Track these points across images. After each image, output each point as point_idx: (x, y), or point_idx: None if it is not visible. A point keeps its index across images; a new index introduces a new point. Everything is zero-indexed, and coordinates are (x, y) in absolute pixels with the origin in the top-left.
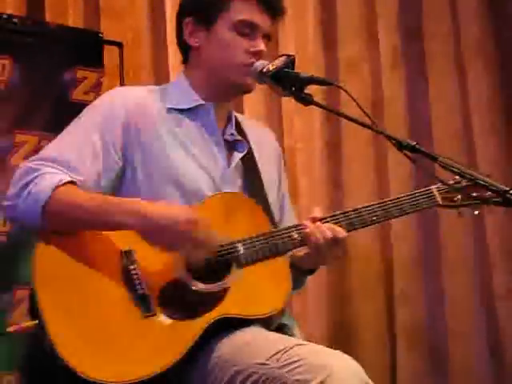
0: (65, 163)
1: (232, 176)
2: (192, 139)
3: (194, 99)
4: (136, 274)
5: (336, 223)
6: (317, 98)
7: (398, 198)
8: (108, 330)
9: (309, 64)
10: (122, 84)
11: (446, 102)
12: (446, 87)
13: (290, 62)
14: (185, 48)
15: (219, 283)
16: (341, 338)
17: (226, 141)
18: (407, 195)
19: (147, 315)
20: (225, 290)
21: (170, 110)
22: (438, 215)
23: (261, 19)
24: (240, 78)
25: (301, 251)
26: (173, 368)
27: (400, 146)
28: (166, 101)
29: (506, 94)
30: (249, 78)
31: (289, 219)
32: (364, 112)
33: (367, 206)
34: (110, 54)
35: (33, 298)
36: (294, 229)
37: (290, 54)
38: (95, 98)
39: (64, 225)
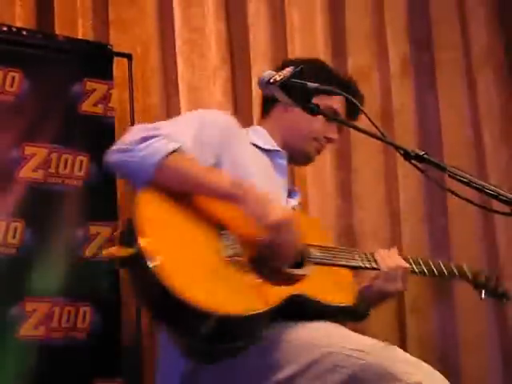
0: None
1: None
2: (267, 173)
3: (272, 144)
4: (231, 237)
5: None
6: None
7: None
8: (208, 271)
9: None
10: (131, 96)
11: (456, 112)
12: (455, 96)
13: (298, 72)
14: (270, 100)
15: (298, 270)
16: None
17: None
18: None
19: (240, 270)
20: (301, 278)
21: (251, 144)
22: (447, 224)
23: (339, 107)
24: (308, 148)
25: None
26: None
27: (408, 155)
28: (248, 136)
29: None
30: (314, 152)
31: None
32: (371, 122)
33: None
34: (119, 66)
35: (130, 229)
36: (367, 253)
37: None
38: (104, 110)
39: (174, 182)
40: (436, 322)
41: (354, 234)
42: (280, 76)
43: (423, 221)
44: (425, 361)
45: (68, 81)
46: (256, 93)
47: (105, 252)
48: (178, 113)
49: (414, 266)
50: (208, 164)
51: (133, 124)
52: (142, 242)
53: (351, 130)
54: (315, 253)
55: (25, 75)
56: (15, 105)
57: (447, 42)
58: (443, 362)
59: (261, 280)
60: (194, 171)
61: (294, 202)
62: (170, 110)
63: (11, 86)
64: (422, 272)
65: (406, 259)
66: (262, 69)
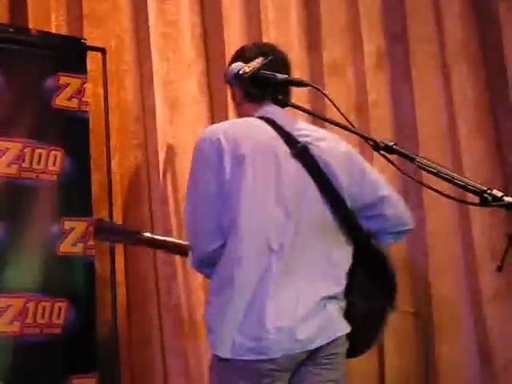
0: None
1: None
2: None
3: None
4: None
5: None
6: (301, 101)
7: None
8: None
9: (293, 67)
10: (105, 90)
11: (430, 104)
12: (430, 89)
13: (267, 63)
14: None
15: None
16: None
17: None
18: None
19: None
20: None
21: None
22: (423, 215)
23: None
24: None
25: None
26: None
27: (377, 146)
28: None
29: (491, 95)
30: None
31: None
32: (339, 112)
33: None
34: (93, 60)
35: None
36: None
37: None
38: (78, 105)
39: None
40: None
41: None
42: (249, 68)
43: None
44: (401, 352)
45: (41, 75)
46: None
47: None
48: (153, 107)
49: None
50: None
51: (107, 119)
52: None
53: (326, 123)
54: None
55: None
56: None
57: (422, 35)
58: (420, 353)
59: None
60: None
61: None
62: (145, 104)
63: None
64: None
65: None
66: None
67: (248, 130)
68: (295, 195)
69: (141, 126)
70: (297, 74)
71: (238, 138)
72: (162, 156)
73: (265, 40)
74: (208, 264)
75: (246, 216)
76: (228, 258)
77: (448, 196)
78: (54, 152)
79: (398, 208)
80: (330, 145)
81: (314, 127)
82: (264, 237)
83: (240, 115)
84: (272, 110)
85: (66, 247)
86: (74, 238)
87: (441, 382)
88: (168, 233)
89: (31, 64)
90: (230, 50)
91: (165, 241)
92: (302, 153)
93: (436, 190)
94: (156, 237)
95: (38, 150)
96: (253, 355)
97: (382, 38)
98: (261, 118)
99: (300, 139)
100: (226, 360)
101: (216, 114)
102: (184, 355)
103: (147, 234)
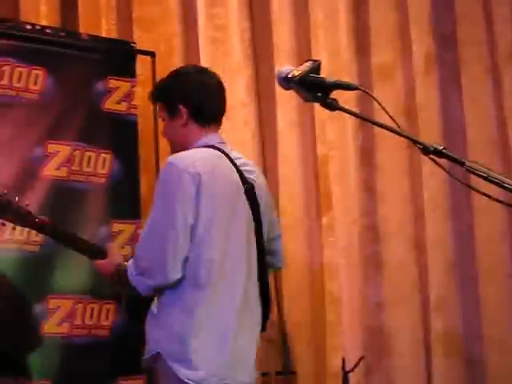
0: None
1: None
2: None
3: None
4: None
5: None
6: (349, 105)
7: None
8: None
9: (341, 71)
10: None
11: (480, 108)
12: (480, 93)
13: (316, 66)
14: None
15: None
16: (375, 346)
17: None
18: None
19: None
20: None
21: None
22: (473, 222)
23: None
24: None
25: None
26: None
27: (426, 150)
28: None
29: None
30: None
31: None
32: (389, 115)
33: None
34: (142, 64)
35: None
36: None
37: (316, 59)
38: (127, 108)
39: None
40: (461, 319)
41: (378, 232)
42: (298, 71)
43: (447, 218)
44: (450, 357)
45: (91, 79)
46: (280, 90)
47: None
48: None
49: None
50: None
51: (156, 122)
52: None
53: (375, 127)
54: None
55: (48, 73)
56: (39, 103)
57: (472, 39)
58: (468, 359)
59: None
60: None
61: None
62: None
63: (35, 83)
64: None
65: None
66: (285, 65)
67: (217, 166)
68: (247, 235)
69: None
70: (345, 77)
71: (213, 174)
72: None
73: (313, 44)
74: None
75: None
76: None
77: (498, 200)
78: (103, 155)
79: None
80: (260, 180)
81: (241, 155)
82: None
83: (181, 136)
84: (217, 139)
85: None
86: (122, 240)
87: None
88: None
89: (81, 68)
90: (279, 53)
91: (74, 236)
92: (250, 192)
93: (485, 194)
94: (63, 229)
95: (87, 153)
96: None
97: (432, 41)
98: (213, 147)
99: (246, 175)
100: None
101: (264, 119)
102: None
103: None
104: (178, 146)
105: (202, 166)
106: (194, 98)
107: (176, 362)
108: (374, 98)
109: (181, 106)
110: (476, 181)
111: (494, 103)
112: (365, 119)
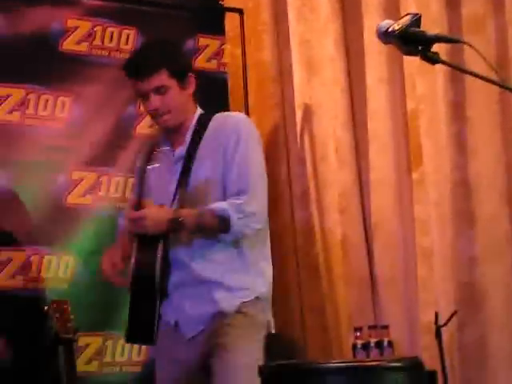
0: None
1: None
2: None
3: None
4: None
5: None
6: None
7: None
8: None
9: (431, 24)
10: (243, 51)
11: None
12: None
13: (416, 20)
14: None
15: None
16: (468, 300)
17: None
18: None
19: None
20: None
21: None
22: None
23: (140, 86)
24: (158, 126)
25: None
26: None
27: None
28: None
29: None
30: (159, 124)
31: None
32: (491, 67)
33: None
34: (230, 21)
35: None
36: None
37: (416, 12)
38: (217, 66)
39: None
40: None
41: (470, 188)
42: (399, 25)
43: None
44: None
45: (181, 37)
46: (368, 45)
47: None
48: (290, 67)
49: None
50: None
51: (245, 79)
52: None
53: (466, 81)
54: None
55: (139, 32)
56: None
57: None
58: None
59: None
60: None
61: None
62: (282, 65)
63: (126, 43)
64: None
65: None
66: (373, 21)
67: None
68: None
69: (278, 85)
70: (435, 30)
71: None
72: (299, 116)
73: None
74: None
75: None
76: None
77: None
78: None
79: None
80: None
81: None
82: None
83: (184, 104)
84: None
85: None
86: None
87: None
88: (305, 192)
89: (171, 26)
90: (368, 8)
91: None
92: None
93: None
94: None
95: None
96: None
97: None
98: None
99: None
100: None
101: (353, 74)
102: (322, 313)
103: None
104: (180, 116)
105: None
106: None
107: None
108: (475, 50)
109: (190, 74)
110: None
111: None
112: (468, 72)
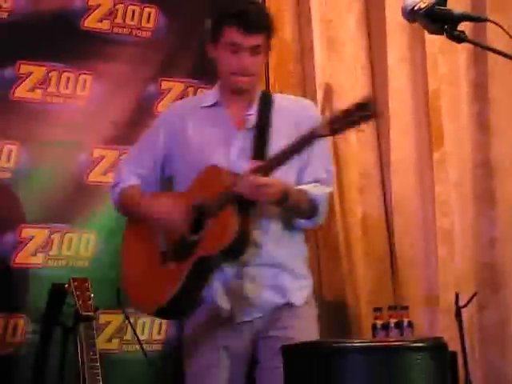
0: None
1: (240, 145)
2: (209, 135)
3: (214, 97)
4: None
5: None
6: None
7: None
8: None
9: (455, 3)
10: None
11: None
12: None
13: None
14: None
15: (197, 234)
16: (488, 280)
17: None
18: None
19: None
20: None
21: (202, 107)
22: None
23: (243, 40)
24: (233, 84)
25: None
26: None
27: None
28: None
29: None
30: (237, 83)
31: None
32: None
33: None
34: None
35: None
36: None
37: None
38: None
39: (128, 215)
40: None
41: (491, 168)
42: (424, 3)
43: None
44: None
45: (202, 16)
46: (390, 23)
47: None
48: (311, 46)
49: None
50: (158, 164)
51: (267, 57)
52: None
53: (488, 61)
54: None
55: (161, 11)
56: (152, 40)
57: None
58: None
59: (175, 264)
60: (130, 206)
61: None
62: (303, 42)
63: (148, 21)
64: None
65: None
66: (396, 0)
67: None
68: None
69: (299, 64)
70: (459, 9)
71: None
72: (320, 94)
73: None
74: None
75: None
76: None
77: None
78: None
79: None
80: None
81: None
82: None
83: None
84: None
85: None
86: None
87: None
88: None
89: (192, 5)
90: None
91: None
92: None
93: None
94: None
95: (200, 90)
96: None
97: None
98: None
99: None
100: None
101: (374, 54)
102: (341, 293)
103: None
104: (256, 83)
105: None
106: None
107: None
108: (502, 28)
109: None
110: None
111: None
112: (494, 51)
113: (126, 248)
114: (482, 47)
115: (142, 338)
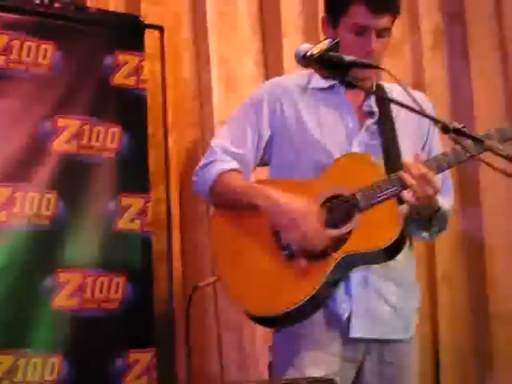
0: (230, 153)
1: (363, 139)
2: (325, 118)
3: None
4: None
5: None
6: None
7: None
8: (261, 275)
9: None
10: (162, 68)
11: (488, 83)
12: (488, 68)
13: (334, 45)
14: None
15: (344, 228)
16: None
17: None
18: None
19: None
20: (349, 233)
21: (312, 89)
22: (480, 198)
23: (371, 21)
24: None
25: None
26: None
27: (446, 129)
28: (309, 82)
29: None
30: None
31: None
32: (408, 93)
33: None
34: (150, 38)
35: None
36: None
37: (334, 37)
38: (136, 82)
39: (222, 201)
40: (466, 294)
41: None
42: (316, 49)
43: None
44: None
45: (100, 53)
46: (288, 64)
47: None
48: (209, 86)
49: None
50: (262, 143)
51: (164, 96)
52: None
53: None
54: (360, 198)
55: (57, 47)
56: (48, 77)
57: (480, 14)
58: (475, 333)
59: (307, 263)
60: (231, 192)
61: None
62: (202, 82)
63: (44, 57)
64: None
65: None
66: (293, 40)
67: None
68: None
69: (197, 103)
70: None
71: None
72: None
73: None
74: None
75: None
76: None
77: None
78: (112, 129)
79: None
80: None
81: None
82: None
83: None
84: None
85: (123, 224)
86: (131, 214)
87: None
88: None
89: (90, 42)
90: (287, 27)
91: None
92: None
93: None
94: None
95: (96, 128)
96: None
97: (440, 17)
98: None
99: None
100: None
101: None
102: (239, 329)
103: None
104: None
105: None
106: None
107: None
108: (393, 76)
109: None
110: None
111: (502, 77)
112: (384, 98)
113: (223, 242)
114: (371, 94)
115: (33, 379)
